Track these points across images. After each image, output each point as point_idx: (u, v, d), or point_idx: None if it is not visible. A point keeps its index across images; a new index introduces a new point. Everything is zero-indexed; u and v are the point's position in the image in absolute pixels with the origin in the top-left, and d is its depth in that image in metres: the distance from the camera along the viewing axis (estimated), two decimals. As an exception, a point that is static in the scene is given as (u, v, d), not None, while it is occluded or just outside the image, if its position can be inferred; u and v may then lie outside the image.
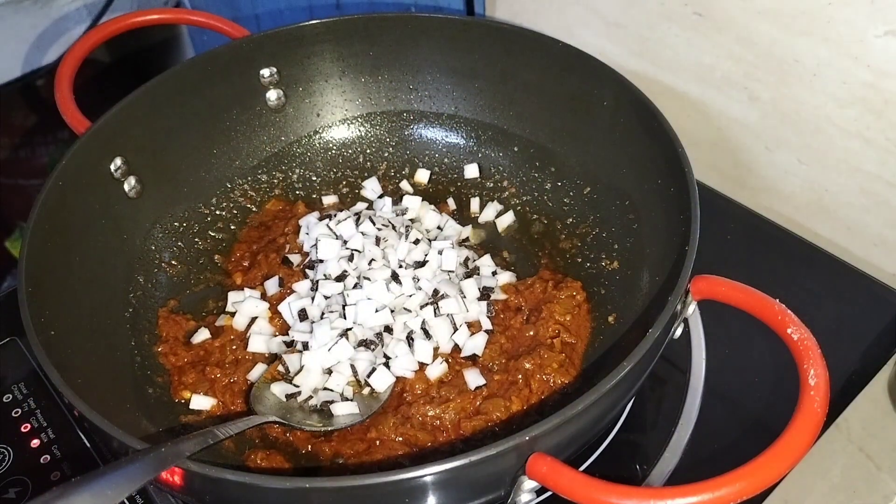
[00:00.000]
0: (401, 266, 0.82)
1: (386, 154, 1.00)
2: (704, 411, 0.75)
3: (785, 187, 0.91)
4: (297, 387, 0.75)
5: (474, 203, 0.95)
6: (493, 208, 0.94)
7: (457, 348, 0.79)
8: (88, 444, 0.74)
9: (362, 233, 0.85)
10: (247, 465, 0.71)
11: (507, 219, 0.93)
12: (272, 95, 0.96)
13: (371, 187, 0.97)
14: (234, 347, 0.80)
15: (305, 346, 0.78)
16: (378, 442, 0.72)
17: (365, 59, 0.97)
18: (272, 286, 0.84)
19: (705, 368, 0.78)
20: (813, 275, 0.85)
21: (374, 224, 0.85)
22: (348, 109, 0.99)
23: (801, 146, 0.87)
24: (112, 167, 0.82)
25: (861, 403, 0.73)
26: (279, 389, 0.75)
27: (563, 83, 0.89)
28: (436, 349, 0.79)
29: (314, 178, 0.99)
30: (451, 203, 0.95)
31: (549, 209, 0.93)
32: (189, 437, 0.58)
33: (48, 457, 0.73)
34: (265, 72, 0.94)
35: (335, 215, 0.88)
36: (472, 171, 0.98)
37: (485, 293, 0.82)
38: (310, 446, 0.73)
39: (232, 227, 0.94)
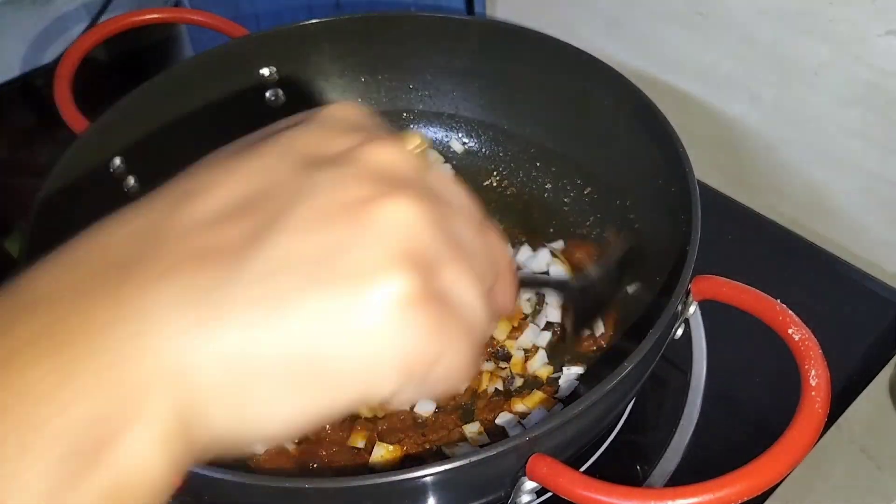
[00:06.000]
0: None
1: (386, 154, 1.00)
2: (705, 412, 0.74)
3: (786, 187, 0.91)
4: None
5: (474, 203, 0.95)
6: (493, 208, 0.94)
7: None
8: (87, 445, 0.74)
9: None
10: (247, 465, 0.71)
11: (508, 219, 0.93)
12: (272, 95, 0.96)
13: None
14: (233, 347, 0.80)
15: None
16: (378, 442, 0.72)
17: (365, 59, 0.96)
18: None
19: (706, 369, 0.78)
20: (814, 275, 0.85)
21: None
22: (348, 109, 0.99)
23: (803, 146, 0.87)
24: (111, 167, 0.82)
25: (862, 404, 0.73)
26: None
27: (563, 83, 0.88)
28: None
29: (314, 178, 0.99)
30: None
31: (549, 209, 0.93)
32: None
33: (47, 457, 0.73)
34: (265, 71, 0.94)
35: None
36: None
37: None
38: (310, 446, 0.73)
39: (232, 228, 0.93)
